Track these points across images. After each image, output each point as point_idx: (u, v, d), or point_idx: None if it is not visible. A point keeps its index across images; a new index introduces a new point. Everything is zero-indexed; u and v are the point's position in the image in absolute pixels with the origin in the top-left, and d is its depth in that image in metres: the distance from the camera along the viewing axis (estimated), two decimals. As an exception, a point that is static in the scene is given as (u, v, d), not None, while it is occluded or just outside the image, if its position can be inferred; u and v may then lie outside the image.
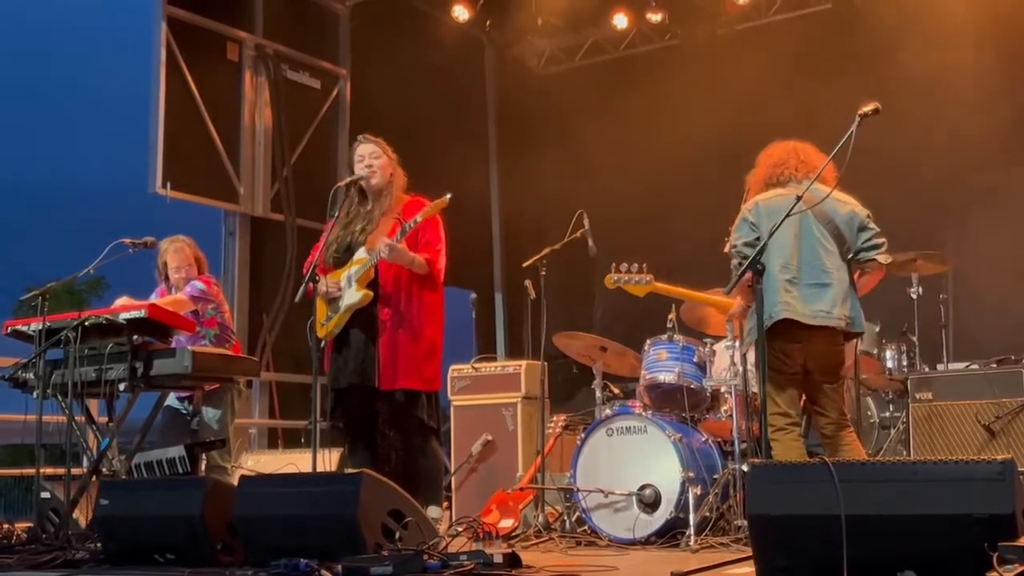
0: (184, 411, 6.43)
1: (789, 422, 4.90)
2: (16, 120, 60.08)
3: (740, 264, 4.82)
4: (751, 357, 5.32)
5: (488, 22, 10.95)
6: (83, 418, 5.58)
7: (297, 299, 5.53)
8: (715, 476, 5.52)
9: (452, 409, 7.44)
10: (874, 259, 5.01)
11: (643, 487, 5.49)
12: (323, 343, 5.53)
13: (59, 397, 5.44)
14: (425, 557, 3.92)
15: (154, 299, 6.28)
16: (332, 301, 5.53)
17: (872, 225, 5.02)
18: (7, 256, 49.12)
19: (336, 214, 5.61)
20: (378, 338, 5.47)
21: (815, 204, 4.81)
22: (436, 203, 5.39)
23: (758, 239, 4.83)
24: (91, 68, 62.11)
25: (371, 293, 5.46)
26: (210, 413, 6.33)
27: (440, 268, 5.57)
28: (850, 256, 5.00)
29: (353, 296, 5.47)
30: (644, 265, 5.58)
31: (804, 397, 5.13)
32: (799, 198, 4.59)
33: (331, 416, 5.57)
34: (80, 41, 62.64)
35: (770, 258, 4.81)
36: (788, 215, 4.60)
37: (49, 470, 5.79)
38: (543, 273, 6.13)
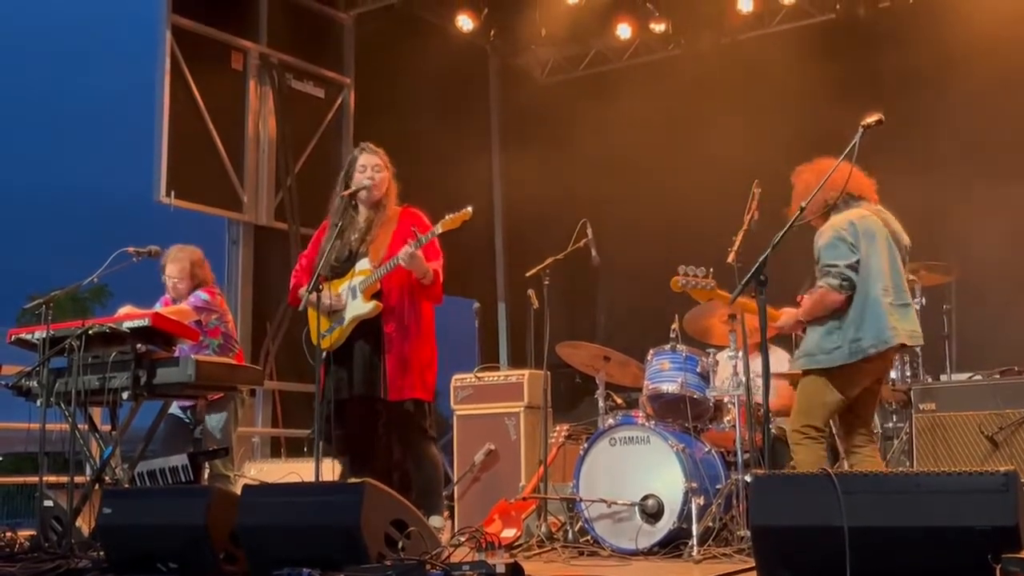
0: (187, 420, 6.43)
1: (820, 434, 4.87)
2: (20, 128, 60.23)
3: (841, 285, 4.79)
4: (752, 370, 5.32)
5: (492, 32, 10.97)
6: (86, 426, 5.58)
7: (300, 307, 5.53)
8: (718, 486, 5.52)
9: (455, 418, 7.44)
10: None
11: (646, 497, 5.49)
12: (324, 354, 5.50)
13: (62, 405, 5.43)
14: (428, 567, 3.92)
15: (158, 308, 6.29)
16: (333, 312, 5.51)
17: None
18: (10, 264, 49.20)
19: (338, 223, 5.59)
20: (384, 350, 5.45)
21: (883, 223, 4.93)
22: (459, 215, 5.30)
23: (859, 261, 4.83)
24: (96, 76, 62.27)
25: (381, 304, 5.44)
26: (213, 422, 6.33)
27: (441, 280, 5.56)
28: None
29: (362, 307, 5.45)
30: (711, 270, 5.26)
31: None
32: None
33: (331, 426, 5.55)
34: (85, 48, 62.81)
35: (870, 282, 4.83)
36: (787, 230, 4.60)
37: (52, 478, 5.79)
38: (546, 282, 6.14)
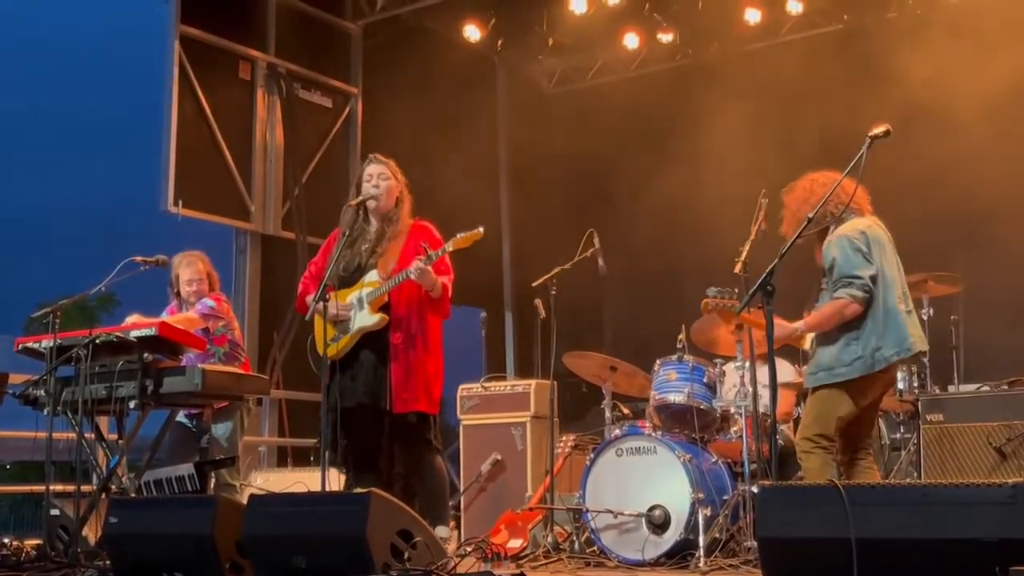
0: (193, 429, 6.43)
1: (830, 444, 4.84)
2: (28, 135, 60.46)
3: (864, 297, 4.73)
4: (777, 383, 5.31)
5: (499, 42, 10.99)
6: (93, 435, 5.59)
7: (307, 316, 5.54)
8: (725, 497, 5.50)
9: (461, 428, 7.43)
10: None
11: (652, 508, 5.48)
12: (329, 362, 5.51)
13: (69, 414, 5.44)
14: (433, 577, 3.92)
15: (165, 317, 6.30)
16: (339, 322, 5.52)
17: None
18: (18, 273, 49.33)
19: (347, 232, 5.61)
20: (390, 361, 5.46)
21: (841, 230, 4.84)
22: (470, 234, 5.32)
23: (877, 270, 4.80)
24: (103, 85, 62.46)
25: (387, 317, 5.47)
26: (219, 430, 6.33)
27: (450, 294, 5.58)
28: None
29: (368, 319, 5.47)
30: (737, 290, 5.20)
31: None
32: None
33: (335, 435, 5.55)
34: (92, 57, 63.02)
35: (887, 291, 4.83)
36: (789, 248, 4.57)
37: (59, 487, 5.79)
38: (553, 292, 6.13)
